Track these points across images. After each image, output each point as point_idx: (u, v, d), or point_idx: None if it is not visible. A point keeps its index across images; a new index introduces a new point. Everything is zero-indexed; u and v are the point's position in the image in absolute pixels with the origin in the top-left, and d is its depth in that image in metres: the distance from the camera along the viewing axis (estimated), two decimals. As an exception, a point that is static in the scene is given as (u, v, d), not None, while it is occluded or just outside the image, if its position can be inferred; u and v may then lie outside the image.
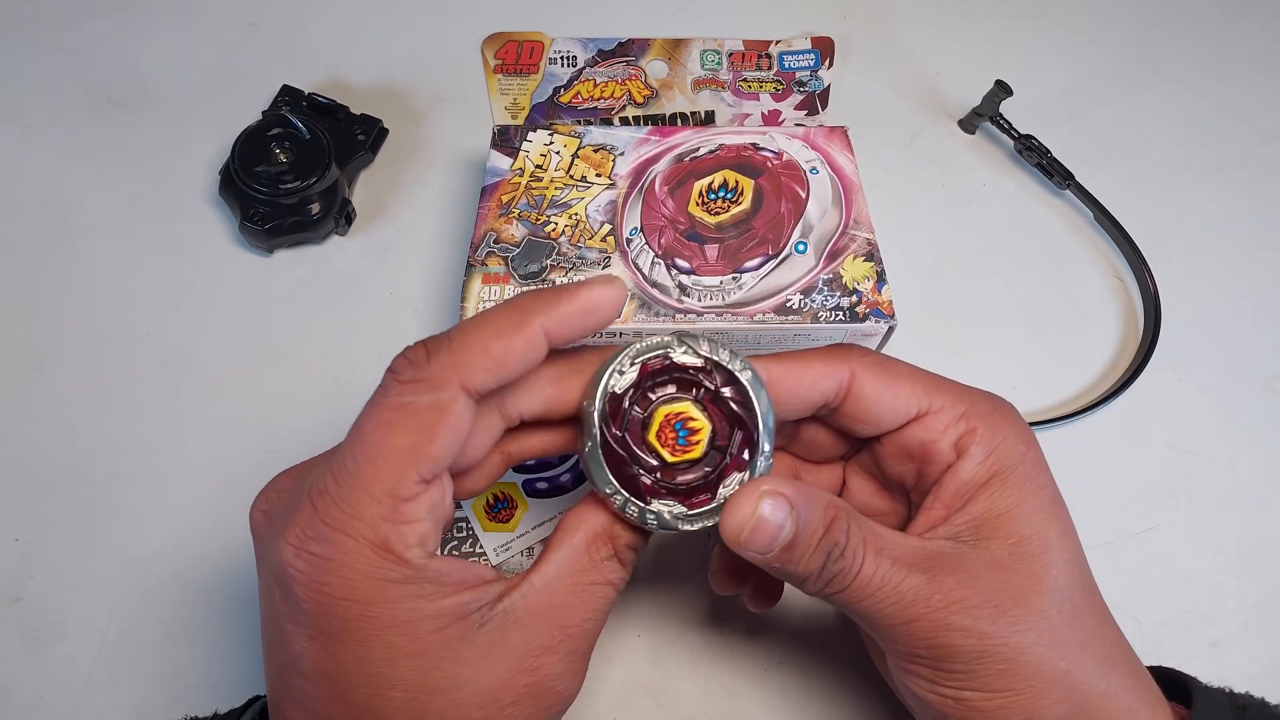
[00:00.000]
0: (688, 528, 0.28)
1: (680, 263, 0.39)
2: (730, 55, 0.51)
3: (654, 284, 0.39)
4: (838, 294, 0.39)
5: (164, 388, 0.41)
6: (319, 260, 0.45)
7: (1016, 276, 0.46)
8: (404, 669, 0.24)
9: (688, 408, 0.28)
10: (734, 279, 0.39)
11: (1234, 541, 0.40)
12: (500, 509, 0.39)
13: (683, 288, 0.39)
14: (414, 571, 0.24)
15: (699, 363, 0.28)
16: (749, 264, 0.39)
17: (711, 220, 0.41)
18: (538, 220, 0.40)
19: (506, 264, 0.39)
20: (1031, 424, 0.41)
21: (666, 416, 0.28)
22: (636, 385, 0.28)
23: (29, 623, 0.36)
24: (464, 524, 0.38)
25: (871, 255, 0.40)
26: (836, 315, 0.38)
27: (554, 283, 0.39)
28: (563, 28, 0.51)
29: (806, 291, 0.39)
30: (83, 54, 0.50)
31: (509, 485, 0.39)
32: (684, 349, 0.28)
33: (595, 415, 0.27)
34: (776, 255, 0.40)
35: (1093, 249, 0.47)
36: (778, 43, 0.51)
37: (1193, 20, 0.55)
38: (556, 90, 0.50)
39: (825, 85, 0.51)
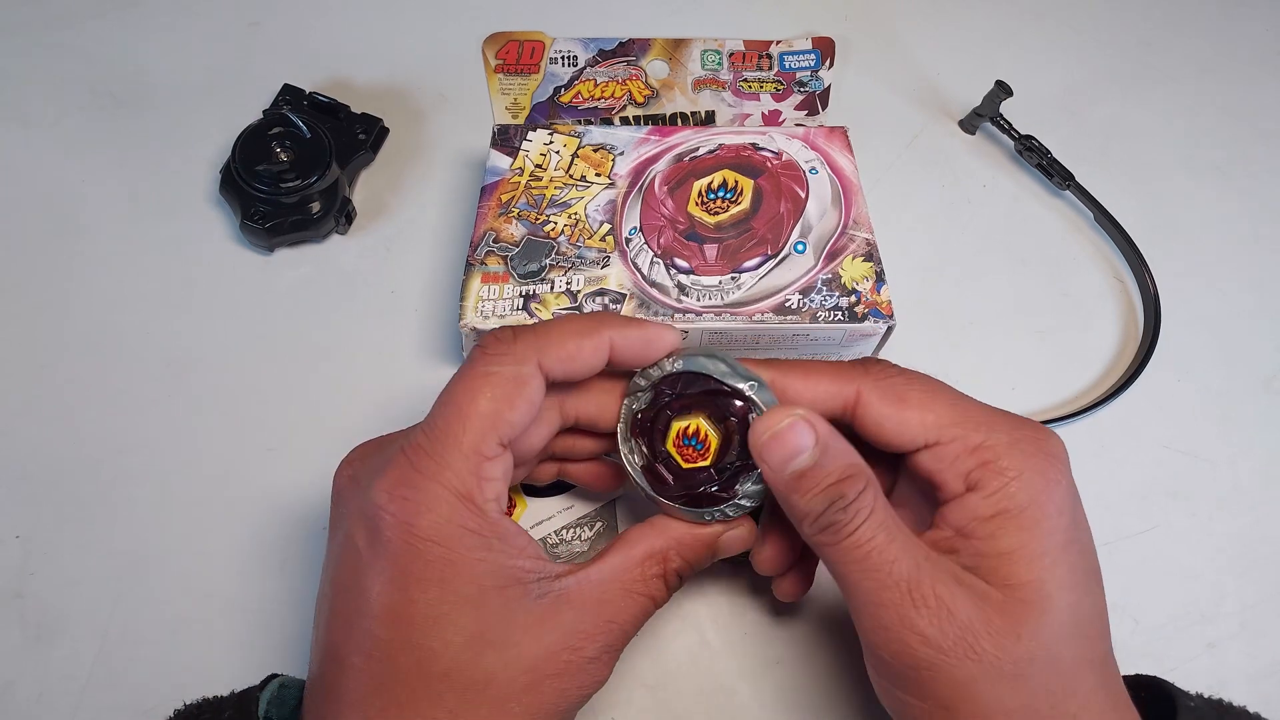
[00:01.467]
0: (718, 516, 0.31)
1: (679, 262, 0.39)
2: (731, 55, 0.51)
3: (653, 284, 0.39)
4: (837, 294, 0.39)
5: (165, 386, 0.41)
6: (320, 259, 0.45)
7: (1016, 277, 0.46)
8: (467, 616, 0.26)
9: (698, 422, 0.31)
10: (733, 279, 0.39)
11: (1233, 542, 0.40)
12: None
13: (682, 287, 0.39)
14: (489, 525, 0.26)
15: (704, 384, 0.31)
16: (748, 264, 0.40)
17: (711, 220, 0.41)
18: (537, 220, 0.40)
19: (506, 263, 0.39)
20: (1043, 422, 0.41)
21: (679, 431, 0.31)
22: (654, 404, 0.31)
23: (31, 619, 0.36)
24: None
25: (871, 255, 0.40)
26: (835, 315, 0.38)
27: (553, 282, 0.39)
28: (563, 28, 0.51)
29: (805, 291, 0.39)
30: (85, 53, 0.50)
31: (508, 484, 0.39)
32: (681, 373, 0.31)
33: (619, 433, 0.32)
34: (775, 255, 0.40)
35: (1093, 249, 0.47)
36: (778, 43, 0.51)
37: (1193, 20, 0.55)
38: (557, 90, 0.50)
39: (825, 85, 0.51)
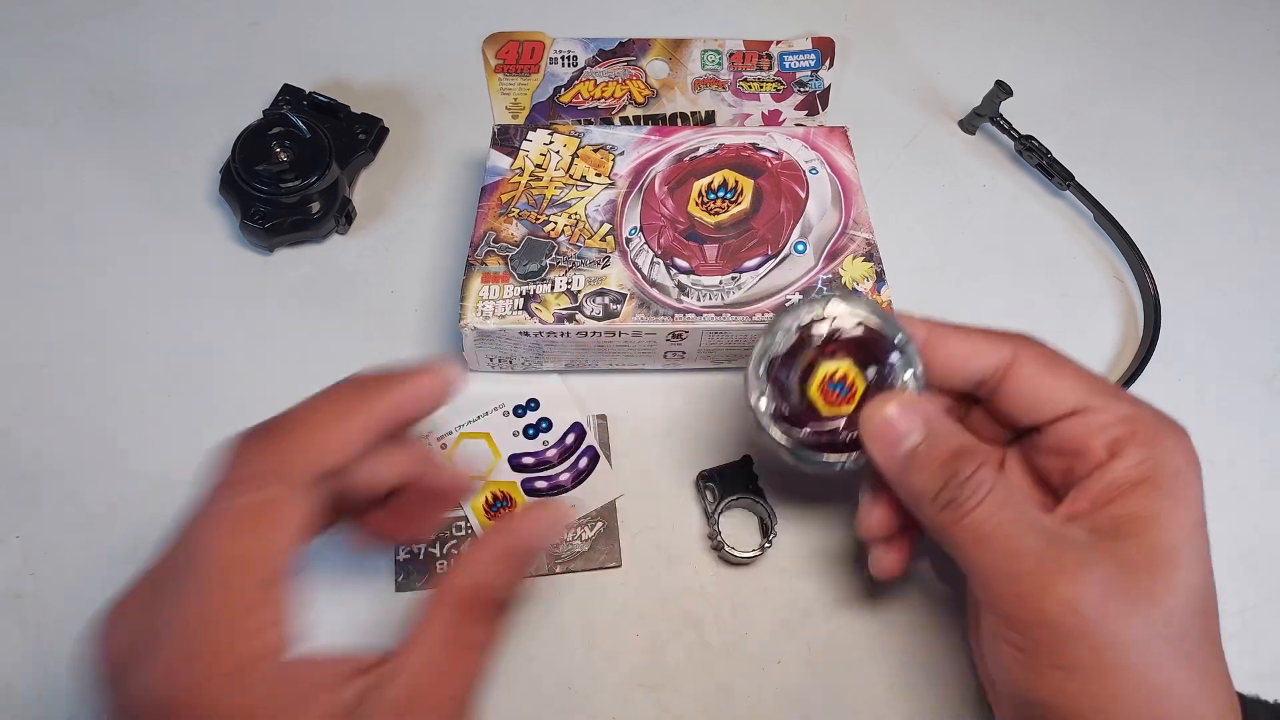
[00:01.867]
0: (849, 466, 0.31)
1: (679, 262, 0.39)
2: (731, 55, 0.51)
3: (653, 283, 0.39)
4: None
5: (165, 386, 0.41)
6: (319, 259, 0.45)
7: (1017, 277, 0.46)
8: None
9: (847, 366, 0.31)
10: (733, 279, 0.39)
11: (1233, 542, 0.40)
12: (499, 508, 0.39)
13: (682, 287, 0.39)
14: (271, 689, 0.23)
15: (857, 330, 0.31)
16: (748, 264, 0.40)
17: (711, 220, 0.41)
18: (537, 219, 0.40)
19: (506, 263, 0.39)
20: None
21: (825, 376, 0.31)
22: (798, 347, 0.31)
23: (30, 619, 0.36)
24: (463, 522, 0.39)
25: (871, 255, 0.40)
26: (836, 315, 0.38)
27: (554, 282, 0.39)
28: (563, 28, 0.51)
29: (806, 291, 0.39)
30: (85, 53, 0.50)
31: (508, 484, 0.39)
32: (834, 317, 0.31)
33: (758, 377, 0.31)
34: (776, 255, 0.40)
35: (1093, 249, 0.47)
36: (778, 43, 0.51)
37: (1193, 20, 0.55)
38: (557, 90, 0.50)
39: (825, 85, 0.51)
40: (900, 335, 0.31)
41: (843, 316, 0.31)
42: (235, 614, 0.23)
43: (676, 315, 0.38)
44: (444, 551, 0.38)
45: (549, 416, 0.41)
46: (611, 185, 0.42)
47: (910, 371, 0.31)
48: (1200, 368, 0.44)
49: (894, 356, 0.31)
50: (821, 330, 0.31)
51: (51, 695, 0.35)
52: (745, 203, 0.41)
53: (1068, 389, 0.29)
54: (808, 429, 0.31)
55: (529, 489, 0.39)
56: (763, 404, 0.31)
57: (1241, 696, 0.28)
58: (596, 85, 0.50)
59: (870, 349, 0.31)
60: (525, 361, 0.41)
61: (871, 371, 0.31)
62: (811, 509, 0.40)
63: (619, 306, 0.38)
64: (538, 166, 0.42)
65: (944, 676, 0.36)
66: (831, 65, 0.51)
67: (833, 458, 0.31)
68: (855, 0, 0.55)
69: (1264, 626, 0.38)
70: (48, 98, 0.48)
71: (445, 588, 0.27)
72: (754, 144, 0.43)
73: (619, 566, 0.38)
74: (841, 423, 0.31)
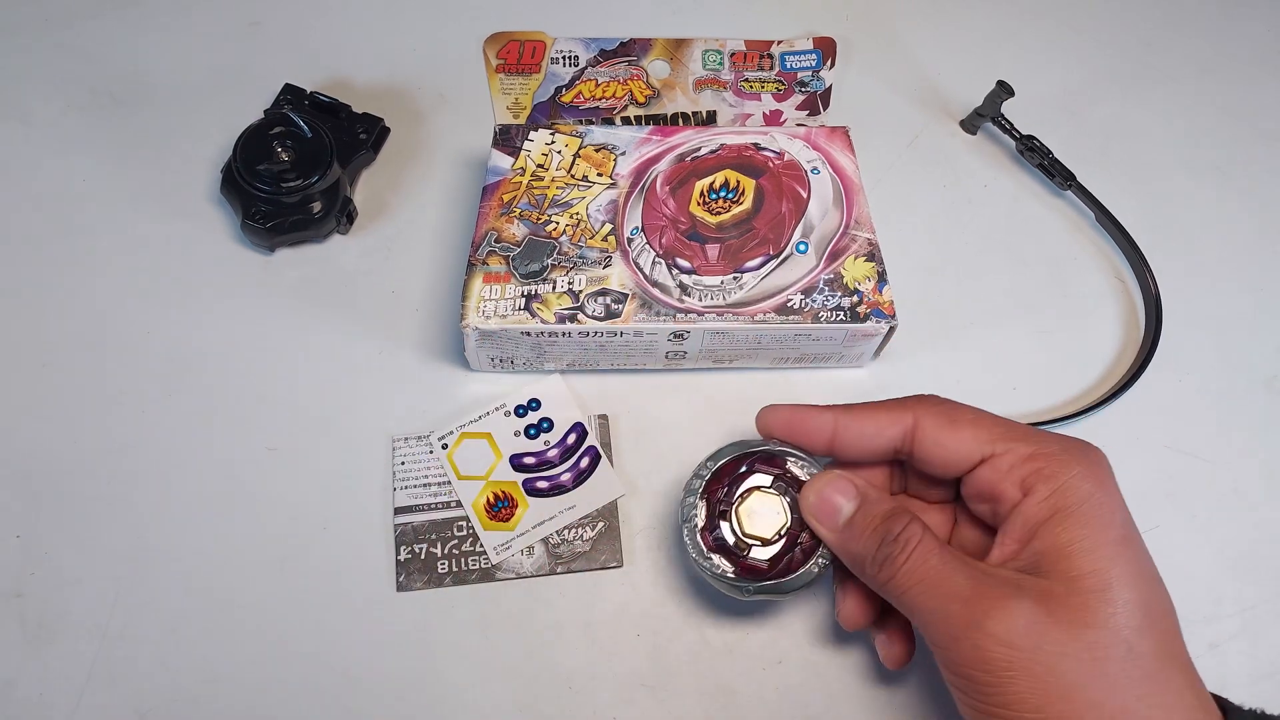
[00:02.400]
0: (817, 572, 0.33)
1: (681, 262, 0.39)
2: (732, 55, 0.51)
3: (655, 283, 0.39)
4: (839, 294, 0.39)
5: (165, 385, 0.41)
6: (320, 259, 0.45)
7: (1018, 277, 0.46)
8: None
9: (759, 497, 0.34)
10: (735, 279, 0.39)
11: (1234, 542, 0.40)
12: (500, 508, 0.39)
13: (684, 287, 0.39)
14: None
15: (775, 473, 0.34)
16: (750, 264, 0.40)
17: (713, 220, 0.41)
18: (539, 219, 0.40)
19: (507, 263, 0.39)
20: (1032, 425, 0.41)
21: (748, 507, 0.34)
22: (710, 511, 0.34)
23: (30, 619, 0.36)
24: (464, 523, 0.39)
25: (873, 255, 0.40)
26: (837, 315, 0.38)
27: (555, 282, 0.39)
28: (564, 27, 0.51)
29: (807, 291, 0.39)
30: (86, 52, 0.50)
31: (509, 484, 0.39)
32: (715, 463, 0.35)
33: (694, 560, 0.34)
34: (777, 255, 0.40)
35: (1094, 249, 0.47)
36: (779, 43, 0.51)
37: (1193, 20, 0.55)
38: (558, 90, 0.50)
39: (827, 85, 0.51)
40: (774, 443, 0.34)
41: (726, 461, 0.34)
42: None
43: (678, 315, 0.38)
44: (445, 551, 0.38)
45: (550, 416, 0.41)
46: (613, 185, 0.42)
47: (808, 467, 0.34)
48: (1201, 368, 0.44)
49: (790, 462, 0.34)
50: (709, 473, 0.34)
51: (51, 695, 0.35)
52: (747, 203, 0.41)
53: (968, 440, 0.31)
54: (769, 564, 0.33)
55: (530, 489, 0.39)
56: (723, 569, 0.33)
57: (1224, 704, 0.28)
58: (598, 85, 0.50)
59: (770, 472, 0.34)
60: (526, 361, 0.41)
61: (779, 484, 0.34)
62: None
63: (620, 306, 0.38)
64: (539, 166, 0.42)
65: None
66: (833, 65, 0.51)
67: (803, 572, 0.33)
68: (856, 0, 0.55)
69: (1265, 627, 0.38)
70: (48, 97, 0.48)
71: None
72: (756, 144, 0.43)
73: (620, 566, 0.38)
74: (790, 541, 0.33)
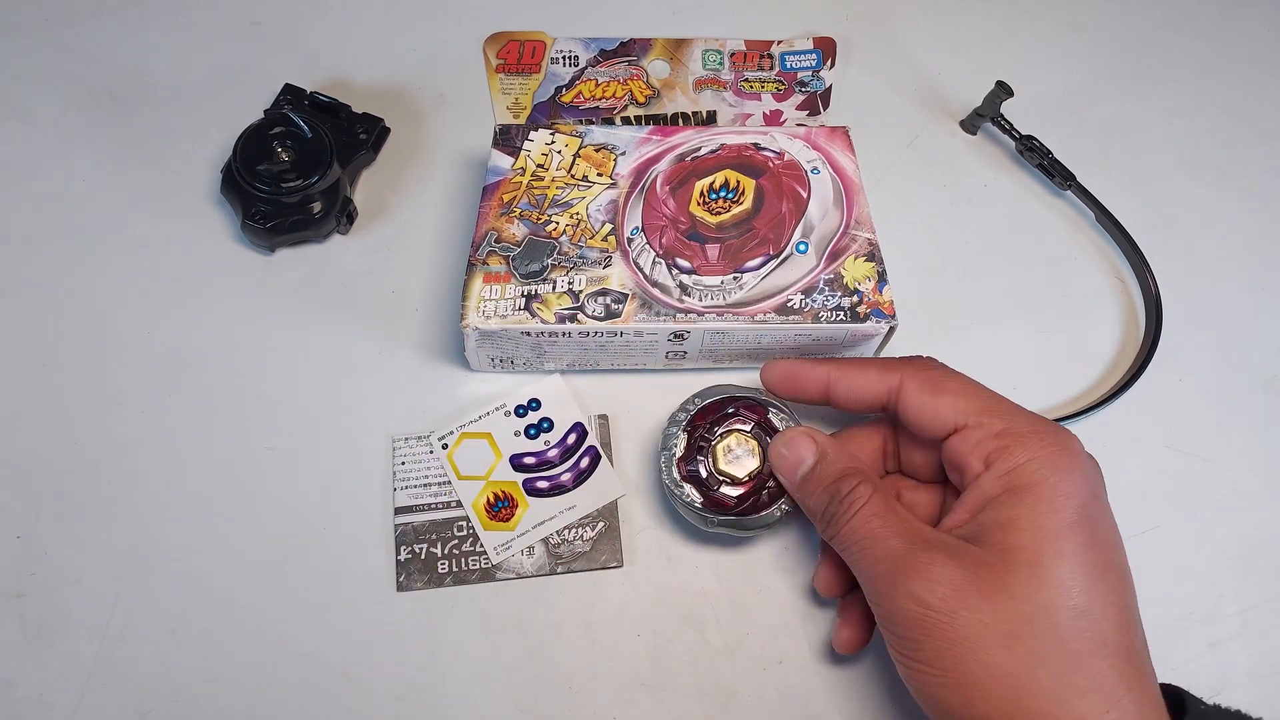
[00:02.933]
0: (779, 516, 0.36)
1: (681, 262, 0.39)
2: (732, 55, 0.51)
3: (655, 283, 0.39)
4: (839, 294, 0.39)
5: (165, 386, 0.41)
6: (320, 259, 0.45)
7: (1018, 277, 0.46)
8: None
9: (736, 437, 0.36)
10: (735, 279, 0.39)
11: (1233, 542, 0.40)
12: (500, 508, 0.39)
13: (684, 287, 0.39)
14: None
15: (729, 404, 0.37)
16: (750, 264, 0.40)
17: (713, 220, 0.41)
18: (539, 219, 0.40)
19: (507, 263, 0.39)
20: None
21: (725, 445, 0.36)
22: (691, 444, 0.37)
23: (31, 619, 0.36)
24: (464, 523, 0.39)
25: (873, 255, 0.40)
26: (837, 315, 0.38)
27: (555, 282, 0.39)
28: (564, 27, 0.51)
29: (808, 291, 0.39)
30: (86, 52, 0.50)
31: (509, 484, 0.39)
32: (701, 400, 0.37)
33: (667, 487, 0.37)
34: (777, 255, 0.40)
35: (1094, 249, 0.47)
36: (779, 43, 0.51)
37: (1193, 20, 0.55)
38: (558, 90, 0.50)
39: (827, 85, 0.51)
40: (759, 393, 0.37)
41: (711, 401, 0.37)
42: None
43: (678, 315, 0.38)
44: (445, 551, 0.38)
45: (550, 416, 0.41)
46: (613, 185, 0.42)
47: (787, 420, 0.37)
48: (1201, 368, 0.44)
49: (771, 413, 0.37)
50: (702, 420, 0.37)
51: (51, 695, 0.35)
52: (747, 203, 0.41)
53: (948, 407, 0.32)
54: (737, 500, 0.36)
55: (530, 489, 0.39)
56: (693, 498, 0.36)
57: (1181, 696, 0.29)
58: (598, 85, 0.50)
59: (746, 415, 0.37)
60: (526, 361, 0.41)
61: (757, 430, 0.36)
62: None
63: (620, 306, 0.38)
64: (539, 166, 0.42)
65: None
66: (833, 65, 0.51)
67: (766, 514, 0.36)
68: (856, 0, 0.55)
69: (1264, 626, 0.38)
70: (48, 97, 0.48)
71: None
72: (756, 144, 0.43)
73: (620, 566, 0.38)
74: (759, 481, 0.36)
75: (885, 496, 0.31)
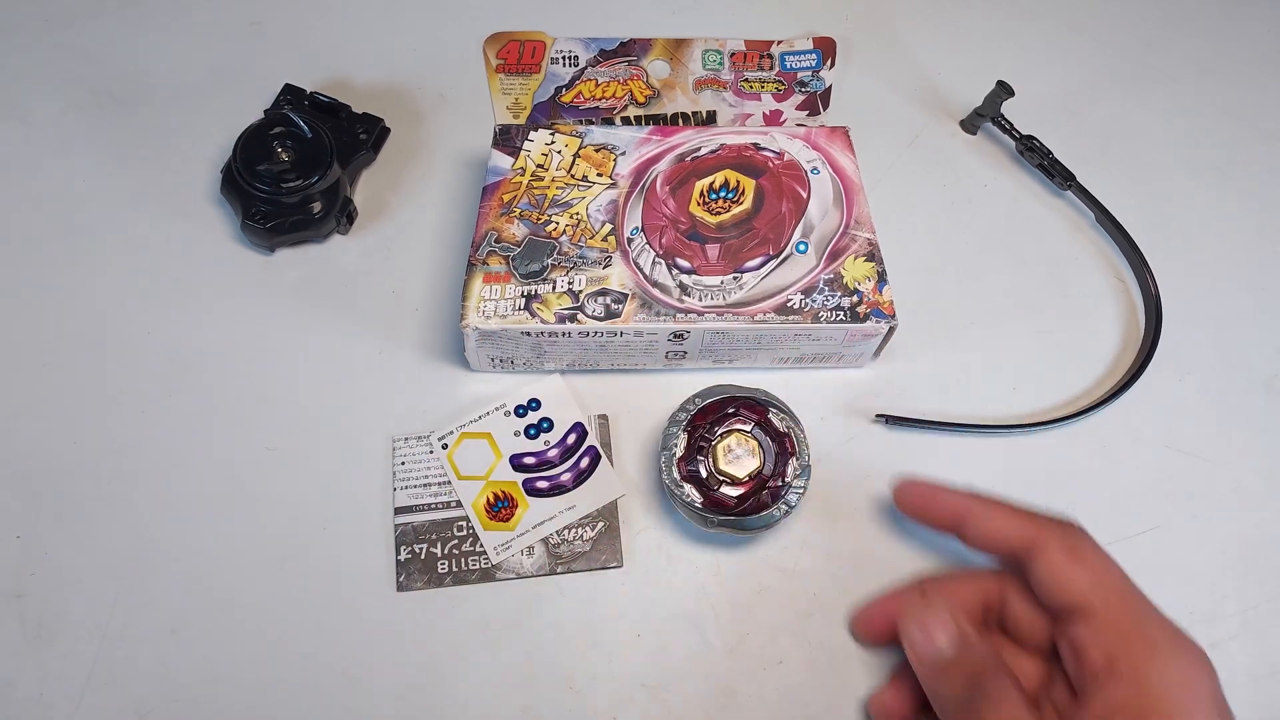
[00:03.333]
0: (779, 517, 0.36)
1: (681, 262, 0.39)
2: (732, 55, 0.51)
3: (655, 283, 0.39)
4: (839, 294, 0.39)
5: (165, 386, 0.41)
6: (320, 259, 0.45)
7: (1018, 277, 0.46)
8: None
9: (736, 437, 0.36)
10: (735, 279, 0.39)
11: (1234, 542, 0.40)
12: (500, 508, 0.39)
13: (683, 287, 0.39)
14: None
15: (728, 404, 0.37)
16: (750, 264, 0.40)
17: (713, 220, 0.41)
18: (539, 219, 0.40)
19: (507, 263, 0.39)
20: (1032, 425, 0.41)
21: (726, 445, 0.36)
22: (691, 443, 0.37)
23: (31, 619, 0.36)
24: (464, 523, 0.39)
25: (873, 255, 0.40)
26: (837, 315, 0.38)
27: (555, 282, 0.39)
28: (564, 28, 0.51)
29: (807, 291, 0.39)
30: (86, 52, 0.50)
31: (509, 484, 0.39)
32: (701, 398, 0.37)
33: (668, 486, 0.37)
34: (777, 255, 0.40)
35: (1094, 249, 0.47)
36: (779, 43, 0.51)
37: (1193, 20, 0.55)
38: (558, 90, 0.50)
39: (827, 85, 0.51)
40: (759, 392, 0.37)
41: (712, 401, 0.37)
42: None
43: (678, 315, 0.38)
44: (445, 551, 0.38)
45: (550, 416, 0.41)
46: (613, 185, 0.42)
47: (788, 420, 0.37)
48: (1201, 368, 0.44)
49: (772, 413, 0.37)
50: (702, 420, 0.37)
51: (51, 695, 0.35)
52: (747, 203, 0.41)
53: (1080, 581, 0.31)
54: (737, 500, 0.36)
55: (530, 489, 0.39)
56: (694, 499, 0.36)
57: None
58: (598, 85, 0.50)
59: (744, 414, 0.36)
60: (526, 361, 0.41)
61: (758, 430, 0.36)
62: (813, 508, 0.40)
63: (620, 306, 0.38)
64: (539, 166, 0.42)
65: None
66: (833, 65, 0.51)
67: (765, 514, 0.36)
68: (856, 0, 0.55)
69: (1264, 626, 0.38)
70: (48, 97, 0.48)
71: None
72: (755, 144, 0.43)
73: (620, 566, 0.38)
74: (760, 478, 0.36)
75: (1027, 696, 0.30)
